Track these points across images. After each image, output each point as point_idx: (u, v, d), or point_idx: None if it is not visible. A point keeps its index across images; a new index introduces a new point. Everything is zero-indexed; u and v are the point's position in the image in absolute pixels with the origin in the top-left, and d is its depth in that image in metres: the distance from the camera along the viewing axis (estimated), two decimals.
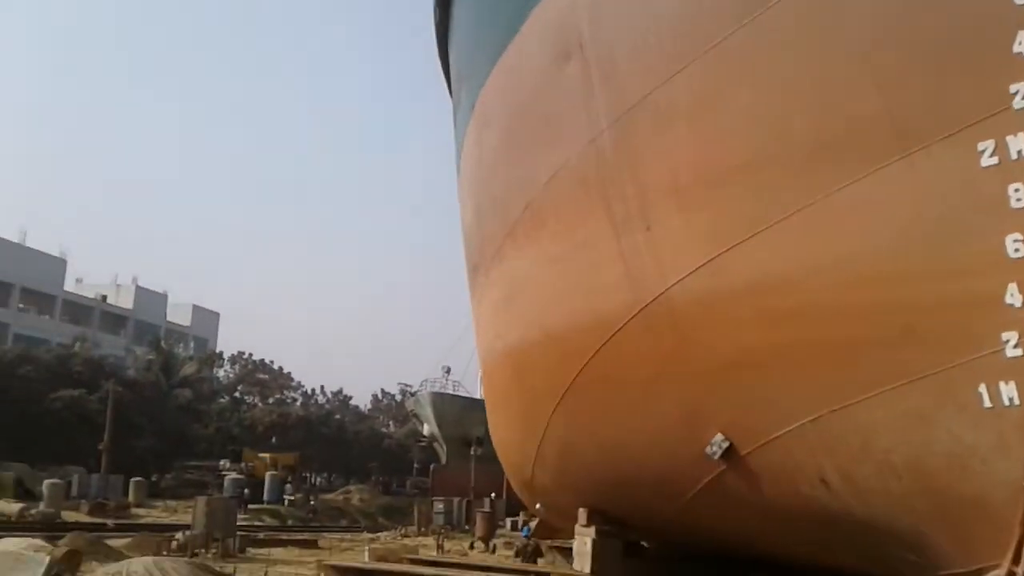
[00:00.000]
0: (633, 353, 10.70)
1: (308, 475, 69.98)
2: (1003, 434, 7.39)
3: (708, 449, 10.04)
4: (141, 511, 41.49)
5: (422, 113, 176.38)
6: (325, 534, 35.59)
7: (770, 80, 8.93)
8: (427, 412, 66.01)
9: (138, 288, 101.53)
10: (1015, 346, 7.26)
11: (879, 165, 7.99)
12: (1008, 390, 7.33)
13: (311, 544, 29.38)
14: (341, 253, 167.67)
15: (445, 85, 20.04)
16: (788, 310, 8.94)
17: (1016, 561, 7.42)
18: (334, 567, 12.68)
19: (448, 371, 69.31)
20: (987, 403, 7.46)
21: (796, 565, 11.62)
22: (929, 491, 8.24)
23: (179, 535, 24.41)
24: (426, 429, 68.44)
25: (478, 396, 60.12)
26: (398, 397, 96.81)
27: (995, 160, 7.30)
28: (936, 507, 8.27)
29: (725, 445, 9.93)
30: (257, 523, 40.33)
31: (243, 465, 53.59)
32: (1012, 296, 7.24)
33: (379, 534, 37.98)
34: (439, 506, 44.47)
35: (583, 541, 13.76)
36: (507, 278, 14.31)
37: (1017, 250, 7.21)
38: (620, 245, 10.65)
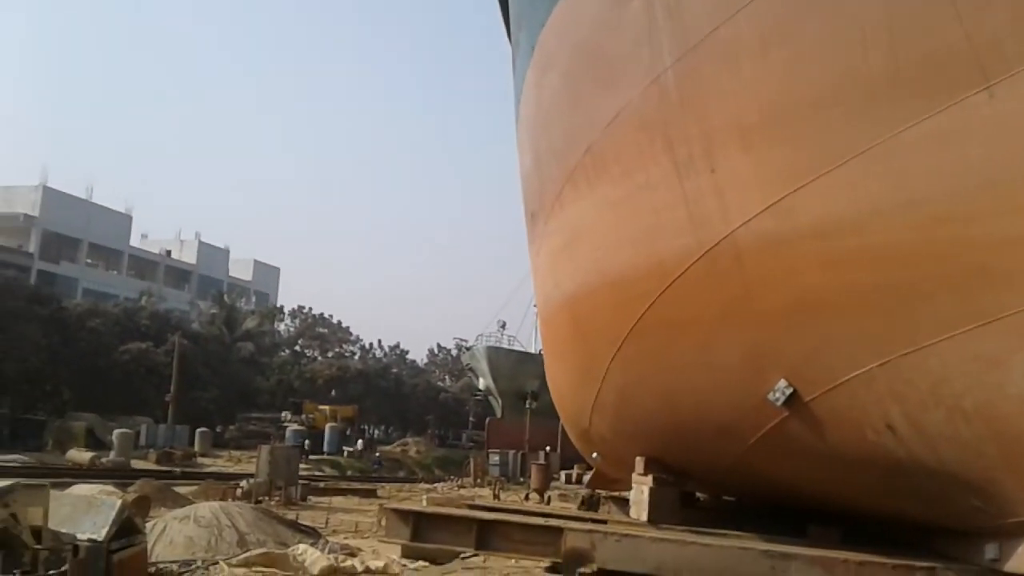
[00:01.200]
0: (695, 297, 10.54)
1: (366, 427, 71.25)
2: None
3: (771, 395, 9.88)
4: (206, 460, 42.82)
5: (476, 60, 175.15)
6: (384, 484, 36.35)
7: (841, 12, 8.59)
8: (482, 366, 66.66)
9: (201, 243, 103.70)
10: None
11: (957, 99, 7.65)
12: None
13: (370, 493, 30.06)
14: (399, 208, 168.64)
15: (504, 30, 19.77)
16: (856, 251, 8.70)
17: None
18: (395, 510, 12.83)
19: (503, 325, 69.98)
20: None
21: (855, 515, 11.48)
22: (1001, 436, 8.03)
23: (243, 483, 25.16)
24: (481, 383, 69.18)
25: (533, 350, 60.49)
26: (454, 351, 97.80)
27: None
28: (1008, 453, 8.06)
29: (789, 391, 9.75)
30: (318, 473, 41.34)
31: (304, 417, 54.85)
32: None
33: (436, 485, 38.63)
34: (494, 458, 45.08)
35: (640, 490, 13.72)
36: (566, 225, 14.16)
37: None
38: (683, 188, 10.44)
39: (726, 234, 9.90)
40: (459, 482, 39.94)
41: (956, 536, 9.40)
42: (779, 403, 9.86)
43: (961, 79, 7.65)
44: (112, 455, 36.20)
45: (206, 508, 15.11)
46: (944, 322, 8.09)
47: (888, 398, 8.81)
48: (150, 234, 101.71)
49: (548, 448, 43.72)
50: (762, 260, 9.63)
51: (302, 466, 34.33)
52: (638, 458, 13.65)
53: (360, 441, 55.62)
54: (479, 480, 39.60)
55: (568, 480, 36.93)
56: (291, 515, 18.69)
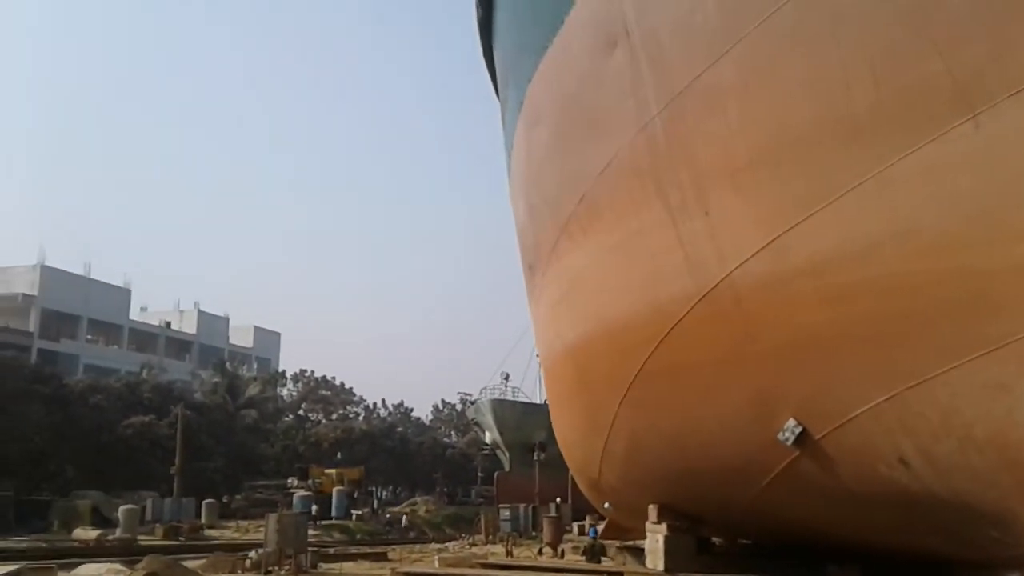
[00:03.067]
0: (697, 341, 10.54)
1: (374, 488, 70.44)
2: None
3: (780, 435, 9.83)
4: (214, 532, 42.11)
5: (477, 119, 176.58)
6: (394, 547, 35.79)
7: (823, 51, 8.70)
8: (488, 419, 66.01)
9: (200, 313, 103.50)
10: None
11: (942, 130, 7.73)
12: None
13: (381, 557, 29.51)
14: (397, 265, 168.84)
15: (492, 87, 20.04)
16: (854, 286, 8.71)
17: None
18: (407, 573, 12.68)
19: (507, 377, 69.16)
20: None
21: (873, 552, 11.33)
22: (1014, 464, 7.94)
23: (252, 553, 24.70)
24: (488, 437, 68.40)
25: (538, 401, 60.02)
26: (459, 406, 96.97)
27: None
28: (1022, 481, 7.98)
29: (798, 430, 9.71)
30: (327, 539, 40.71)
31: (310, 482, 54.16)
32: None
33: (447, 544, 38.03)
34: (505, 513, 44.34)
35: (655, 538, 13.58)
36: (564, 275, 14.22)
37: None
38: (678, 232, 10.50)
39: (723, 276, 9.93)
40: (471, 540, 39.32)
41: (976, 569, 9.28)
42: (789, 443, 9.80)
43: (945, 111, 7.73)
44: (118, 532, 35.68)
45: None
46: (949, 352, 8.06)
47: (899, 431, 8.75)
48: (149, 306, 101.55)
49: (559, 500, 43.11)
50: (761, 300, 9.64)
51: (311, 532, 33.83)
52: (651, 506, 13.53)
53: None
54: (491, 537, 39.00)
55: (581, 532, 36.38)
56: None
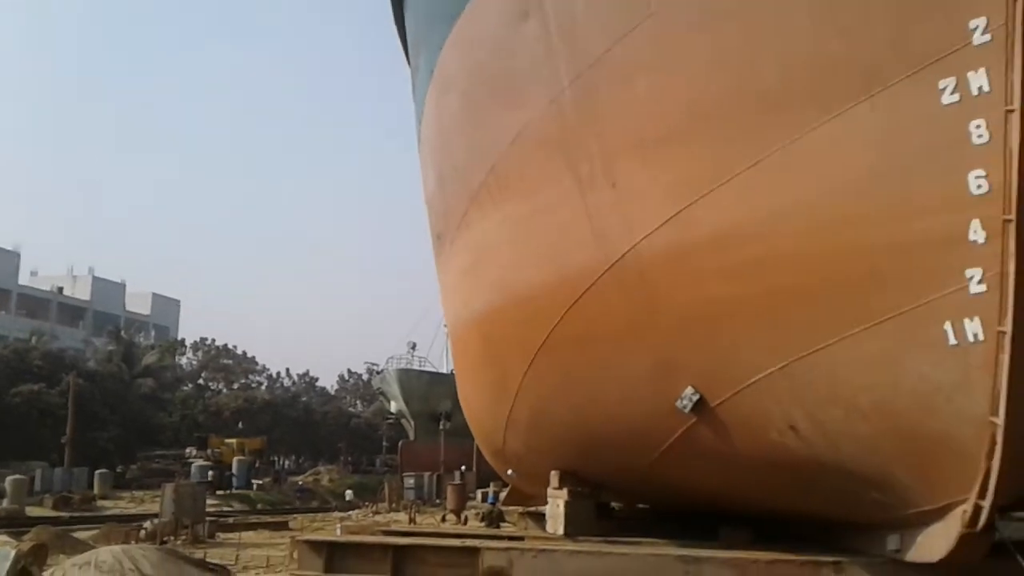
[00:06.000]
0: (603, 311, 10.72)
1: (276, 458, 69.70)
2: (968, 370, 7.48)
3: (679, 402, 10.10)
4: (107, 503, 41.02)
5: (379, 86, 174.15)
6: (296, 516, 35.48)
7: (731, 30, 8.90)
8: (394, 389, 65.95)
9: (95, 279, 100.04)
10: (979, 282, 7.32)
11: (842, 109, 8.02)
12: (973, 327, 7.41)
13: (282, 526, 29.28)
14: (302, 235, 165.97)
15: (403, 52, 19.79)
16: (753, 259, 8.99)
17: (982, 495, 7.54)
18: (307, 542, 12.58)
19: (414, 347, 69.16)
20: (952, 340, 7.54)
21: (765, 515, 11.77)
22: (896, 431, 8.35)
23: (147, 523, 24.17)
24: (393, 406, 68.37)
25: (444, 371, 60.20)
26: (365, 376, 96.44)
27: (956, 97, 7.32)
28: (903, 447, 8.39)
29: (696, 397, 10.00)
30: (226, 509, 40.10)
31: (210, 452, 53.21)
32: (975, 233, 7.30)
33: (350, 512, 37.93)
34: (409, 481, 44.59)
35: (555, 503, 13.81)
36: (472, 244, 14.23)
37: (979, 187, 7.25)
38: (586, 203, 10.63)
39: (629, 248, 10.11)
40: (375, 508, 39.29)
41: (861, 530, 9.73)
42: (687, 410, 10.09)
43: (846, 90, 8.01)
44: (5, 503, 34.43)
45: (107, 553, 14.44)
46: (839, 324, 8.40)
47: (789, 400, 9.10)
48: (40, 271, 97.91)
49: (463, 468, 43.54)
50: (665, 272, 9.85)
51: (210, 502, 33.27)
52: (553, 472, 13.74)
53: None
54: (395, 505, 39.07)
55: (485, 499, 36.79)
56: (199, 554, 18.09)
